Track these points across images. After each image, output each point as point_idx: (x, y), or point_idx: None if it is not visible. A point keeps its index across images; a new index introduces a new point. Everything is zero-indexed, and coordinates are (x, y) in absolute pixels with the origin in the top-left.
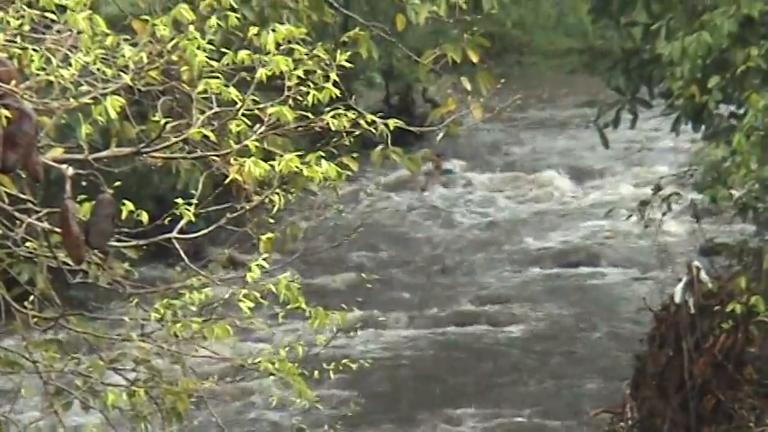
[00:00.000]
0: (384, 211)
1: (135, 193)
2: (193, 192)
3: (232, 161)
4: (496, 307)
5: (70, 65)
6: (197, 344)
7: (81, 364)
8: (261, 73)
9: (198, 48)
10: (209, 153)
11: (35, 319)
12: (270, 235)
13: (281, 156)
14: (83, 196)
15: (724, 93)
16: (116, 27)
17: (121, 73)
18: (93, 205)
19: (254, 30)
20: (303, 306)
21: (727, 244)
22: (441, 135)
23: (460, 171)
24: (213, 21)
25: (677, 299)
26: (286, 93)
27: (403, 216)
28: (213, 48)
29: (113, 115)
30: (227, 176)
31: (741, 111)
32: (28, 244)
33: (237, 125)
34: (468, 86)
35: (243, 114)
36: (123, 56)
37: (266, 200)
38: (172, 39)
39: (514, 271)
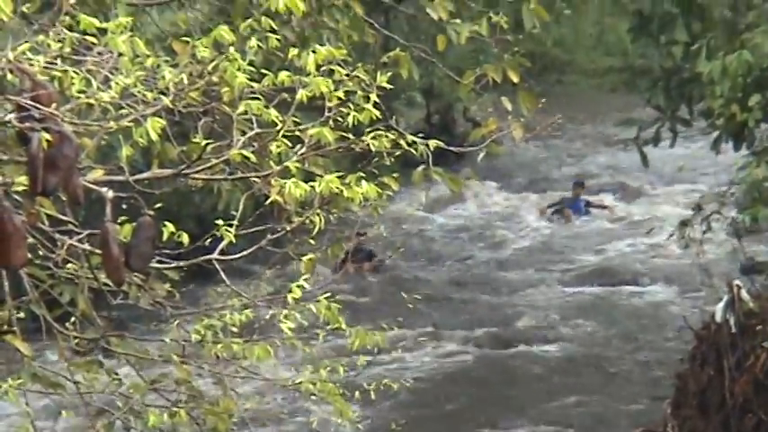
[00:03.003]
0: (425, 230)
1: (176, 214)
2: (234, 212)
3: (273, 182)
4: (537, 325)
5: (110, 87)
6: (238, 364)
7: (122, 384)
8: (301, 94)
9: (238, 69)
10: (249, 174)
11: (76, 340)
12: (311, 256)
13: (322, 177)
14: (123, 218)
15: (764, 111)
16: (156, 48)
17: (162, 95)
18: (133, 227)
19: (294, 51)
20: (343, 326)
21: None
22: (482, 155)
23: (501, 191)
24: (253, 42)
25: (718, 318)
26: (326, 114)
27: (444, 235)
28: (253, 69)
29: (154, 137)
30: (267, 197)
31: None
32: (69, 265)
33: (278, 146)
34: (509, 107)
35: (283, 135)
36: (164, 77)
37: (307, 221)
38: (212, 60)
39: (555, 289)
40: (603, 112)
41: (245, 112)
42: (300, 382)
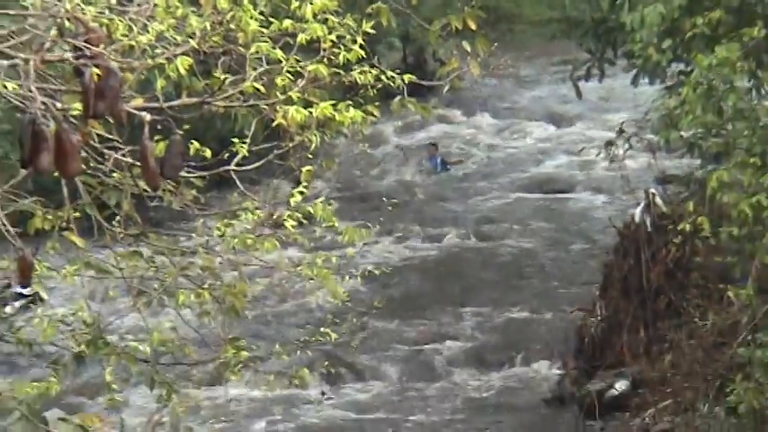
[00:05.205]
0: (397, 149)
1: (201, 135)
2: (247, 133)
3: (278, 109)
4: (492, 225)
5: (148, 32)
6: (251, 254)
7: (158, 271)
8: (301, 37)
9: (251, 17)
10: (260, 102)
11: (121, 235)
12: (309, 167)
13: (318, 104)
14: (158, 137)
15: (675, 54)
16: (185, 1)
17: (189, 38)
18: (166, 144)
19: (295, 2)
20: (336, 224)
21: (677, 175)
22: (447, 88)
23: (463, 117)
24: None
25: (637, 219)
26: (322, 53)
27: (413, 153)
28: (263, 17)
29: (183, 72)
30: (274, 121)
31: (689, 68)
32: (115, 175)
33: (283, 80)
34: (469, 49)
35: (287, 71)
36: (191, 24)
37: (306, 139)
38: (230, 10)
39: (506, 196)
40: (546, 55)
41: (257, 53)
42: (301, 269)
